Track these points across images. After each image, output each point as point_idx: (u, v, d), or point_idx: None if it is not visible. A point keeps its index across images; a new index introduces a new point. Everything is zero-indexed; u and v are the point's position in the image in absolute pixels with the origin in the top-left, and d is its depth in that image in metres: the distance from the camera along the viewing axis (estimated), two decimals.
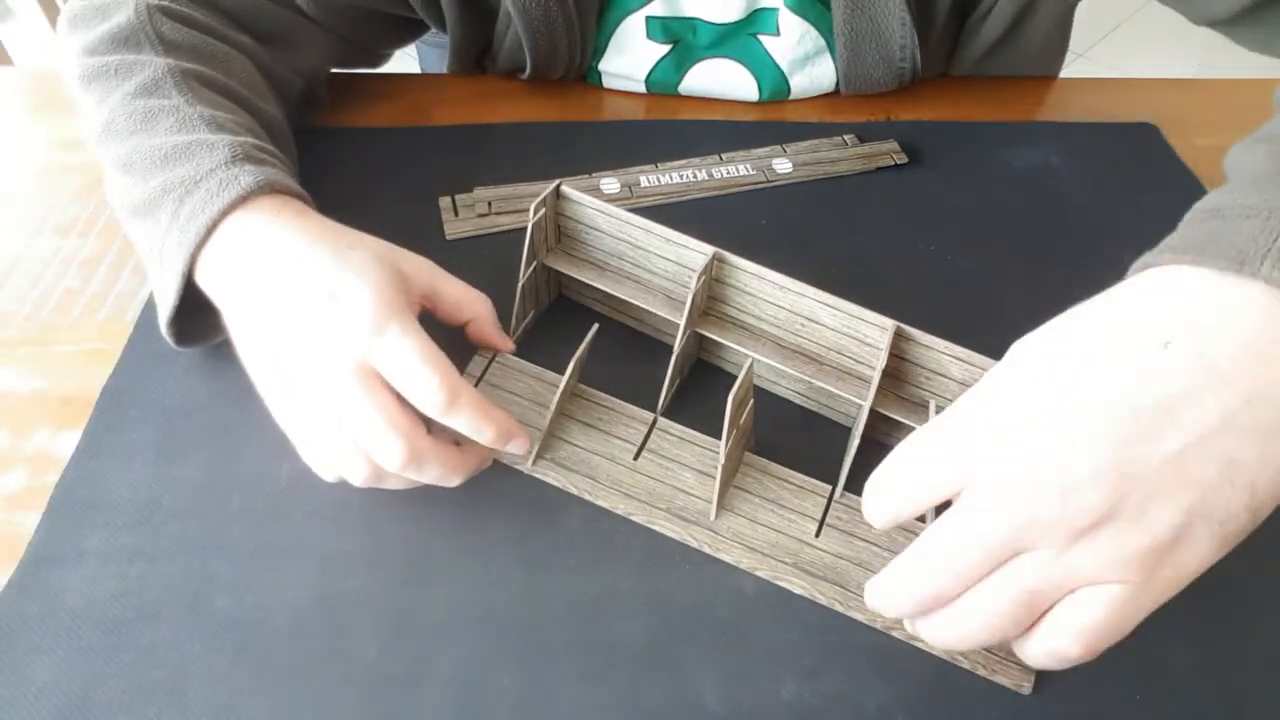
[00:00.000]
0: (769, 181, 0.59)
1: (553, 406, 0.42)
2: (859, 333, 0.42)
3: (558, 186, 0.46)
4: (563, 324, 0.50)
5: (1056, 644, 0.28)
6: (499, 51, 0.65)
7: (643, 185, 0.59)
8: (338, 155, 0.60)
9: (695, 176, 0.59)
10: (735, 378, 0.47)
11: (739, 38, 0.63)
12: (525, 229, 0.45)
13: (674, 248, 0.45)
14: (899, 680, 0.37)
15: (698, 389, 0.47)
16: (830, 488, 0.42)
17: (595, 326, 0.43)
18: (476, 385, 0.45)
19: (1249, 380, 0.27)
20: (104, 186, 0.47)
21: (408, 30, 0.67)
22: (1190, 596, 0.40)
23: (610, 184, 0.59)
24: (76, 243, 0.54)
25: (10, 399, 0.46)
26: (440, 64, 0.71)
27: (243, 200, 0.41)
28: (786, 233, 0.56)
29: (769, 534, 0.41)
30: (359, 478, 0.38)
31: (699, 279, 0.42)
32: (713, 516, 0.41)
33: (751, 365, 0.40)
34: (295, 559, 0.40)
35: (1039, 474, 0.27)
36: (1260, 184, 0.30)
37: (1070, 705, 0.37)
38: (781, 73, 0.64)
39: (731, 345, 0.44)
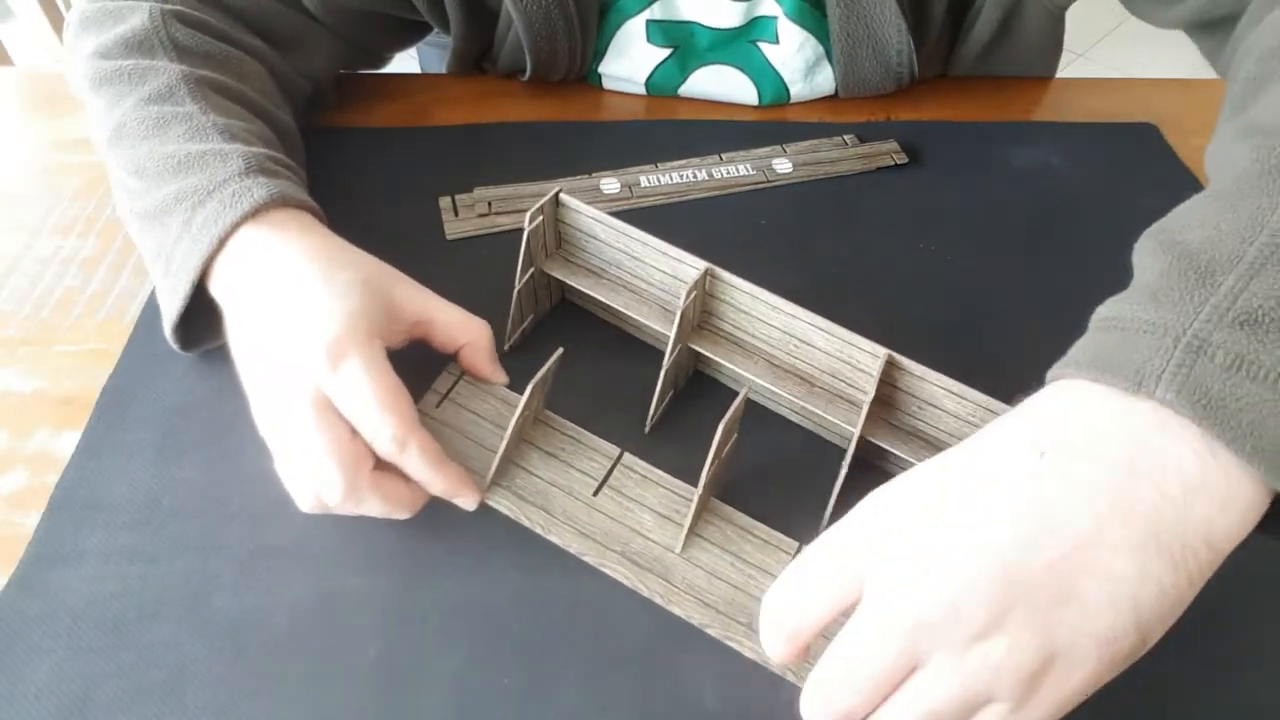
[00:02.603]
0: (769, 181, 0.59)
1: (508, 432, 0.40)
2: (851, 358, 0.42)
3: (556, 194, 0.46)
4: (563, 329, 0.50)
5: None
6: (499, 53, 0.65)
7: (643, 185, 0.59)
8: (338, 155, 0.60)
9: (695, 176, 0.59)
10: (730, 391, 0.46)
11: (739, 44, 0.63)
12: (524, 230, 0.45)
13: (669, 261, 0.45)
14: None
15: (693, 402, 0.47)
16: (796, 544, 0.41)
17: (559, 351, 0.41)
18: (440, 404, 0.44)
19: (1120, 495, 0.27)
20: (112, 189, 0.47)
21: (412, 32, 0.67)
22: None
23: (610, 184, 0.59)
24: (76, 243, 0.54)
25: (10, 399, 0.46)
26: (440, 64, 0.71)
27: (254, 213, 0.41)
28: (786, 233, 0.56)
29: (726, 589, 0.38)
30: (304, 505, 0.38)
31: (688, 295, 0.42)
32: (678, 549, 0.40)
33: (744, 398, 0.38)
34: (295, 559, 0.40)
35: (928, 580, 0.27)
36: (1158, 295, 0.30)
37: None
38: (781, 79, 0.64)
39: (723, 362, 0.44)
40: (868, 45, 0.61)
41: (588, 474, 0.42)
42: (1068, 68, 0.70)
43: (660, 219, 0.57)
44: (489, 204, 0.57)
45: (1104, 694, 0.37)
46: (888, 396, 0.41)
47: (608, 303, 0.47)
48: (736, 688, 0.37)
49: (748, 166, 0.60)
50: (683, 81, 0.65)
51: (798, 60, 0.63)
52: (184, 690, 0.36)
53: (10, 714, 0.35)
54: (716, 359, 0.44)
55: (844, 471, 0.40)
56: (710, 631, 0.38)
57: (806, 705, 0.29)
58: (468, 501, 0.40)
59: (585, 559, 0.39)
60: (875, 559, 0.29)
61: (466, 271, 0.52)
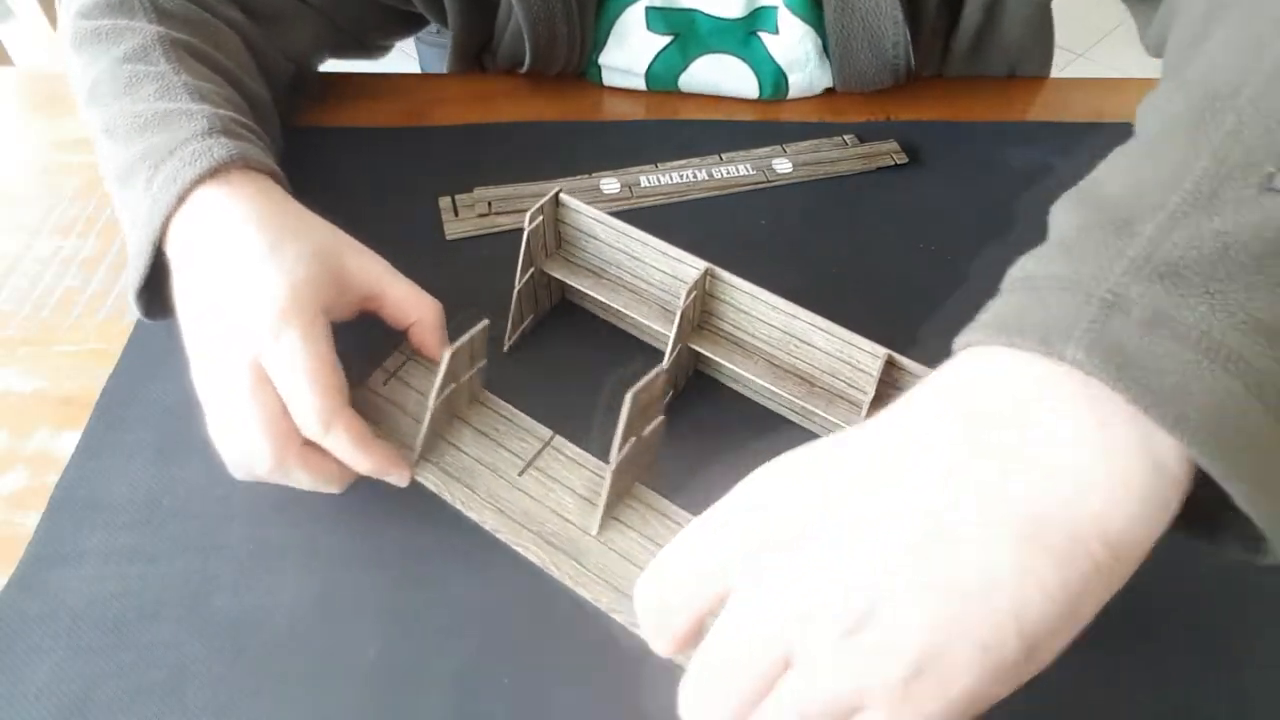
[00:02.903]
0: (769, 181, 0.59)
1: (431, 400, 0.39)
2: (851, 358, 0.42)
3: (556, 194, 0.46)
4: (563, 329, 0.50)
5: None
6: (500, 44, 0.65)
7: (643, 185, 0.59)
8: (338, 155, 0.60)
9: (695, 176, 0.59)
10: (733, 391, 0.46)
11: (739, 34, 0.63)
12: (524, 230, 0.45)
13: (669, 261, 0.45)
14: None
15: (693, 402, 0.47)
16: None
17: (484, 323, 0.40)
18: (387, 381, 0.44)
19: (995, 480, 0.24)
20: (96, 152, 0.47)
21: (402, 23, 0.67)
22: (1191, 596, 0.40)
23: (610, 184, 0.59)
24: (76, 243, 0.54)
25: (10, 399, 0.46)
26: (440, 64, 0.71)
27: (213, 173, 0.41)
28: (786, 233, 0.56)
29: (638, 574, 0.37)
30: (234, 472, 0.39)
31: (688, 295, 0.42)
32: (594, 531, 0.38)
33: (660, 372, 0.36)
34: (295, 559, 0.40)
35: (797, 573, 0.25)
36: (1071, 250, 0.26)
37: (1070, 707, 0.37)
38: (781, 70, 0.64)
39: (723, 362, 0.44)
40: (863, 36, 0.61)
41: (516, 454, 0.41)
42: (1068, 68, 0.70)
43: (660, 219, 0.57)
44: (489, 204, 0.57)
45: (1104, 690, 0.37)
46: (888, 396, 0.41)
47: (608, 303, 0.47)
48: None
49: (748, 166, 0.60)
50: (684, 69, 0.65)
51: (797, 52, 0.63)
52: (184, 690, 0.36)
53: (10, 714, 0.35)
54: (716, 359, 0.44)
55: None
56: (617, 617, 0.37)
57: (683, 710, 0.27)
58: (398, 479, 0.40)
59: (499, 536, 0.39)
60: (748, 548, 0.26)
61: (466, 271, 0.52)
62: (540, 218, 0.46)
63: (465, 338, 0.39)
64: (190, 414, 0.45)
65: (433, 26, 0.68)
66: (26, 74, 0.70)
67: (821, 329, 0.42)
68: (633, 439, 0.37)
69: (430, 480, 0.40)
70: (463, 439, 0.42)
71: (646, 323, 0.46)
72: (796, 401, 0.43)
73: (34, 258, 0.53)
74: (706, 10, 0.62)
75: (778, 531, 0.26)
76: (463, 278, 0.52)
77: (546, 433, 0.42)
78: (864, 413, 0.39)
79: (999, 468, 0.24)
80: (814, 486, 0.26)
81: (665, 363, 0.38)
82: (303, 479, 0.38)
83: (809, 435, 0.46)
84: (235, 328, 0.38)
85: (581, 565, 0.38)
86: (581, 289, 0.47)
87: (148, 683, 0.36)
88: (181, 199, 0.40)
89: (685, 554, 0.27)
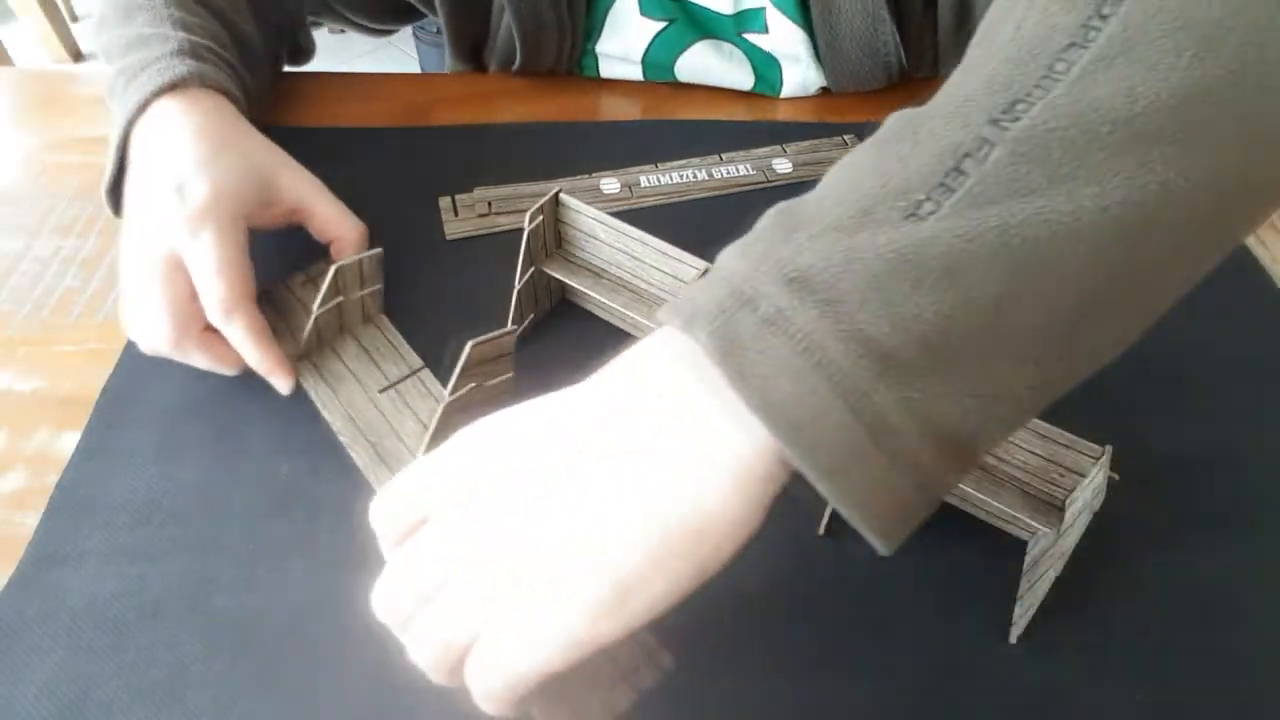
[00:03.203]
0: (769, 181, 0.59)
1: (314, 308, 0.44)
2: None
3: (556, 194, 0.46)
4: (563, 329, 0.50)
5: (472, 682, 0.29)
6: (495, 41, 0.65)
7: (643, 185, 0.59)
8: (338, 155, 0.60)
9: (695, 176, 0.59)
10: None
11: (730, 29, 0.64)
12: (524, 230, 0.45)
13: (669, 261, 0.45)
14: (899, 680, 0.37)
15: None
16: None
17: (377, 250, 0.46)
18: (304, 284, 0.50)
19: (619, 469, 0.27)
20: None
21: (393, 10, 0.69)
22: (1190, 596, 0.40)
23: (610, 184, 0.59)
24: (76, 243, 0.54)
25: (10, 399, 0.46)
26: (440, 64, 0.71)
27: (172, 87, 0.47)
28: None
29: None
30: (141, 345, 0.45)
31: None
32: (420, 452, 0.42)
33: (507, 332, 0.40)
34: (295, 559, 0.40)
35: (468, 520, 0.28)
36: (747, 246, 0.28)
37: (1070, 706, 0.37)
38: (775, 61, 0.64)
39: None
40: (850, 36, 0.61)
41: (385, 375, 0.46)
42: None
43: (660, 219, 0.57)
44: (489, 204, 0.57)
45: (1104, 690, 0.37)
46: None
47: (608, 303, 0.47)
48: (737, 687, 0.37)
49: (748, 166, 0.60)
50: (681, 53, 0.65)
51: (788, 50, 0.63)
52: (184, 690, 0.36)
53: (10, 714, 0.35)
54: None
55: None
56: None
57: (373, 604, 0.30)
58: (281, 385, 0.45)
59: (340, 438, 0.43)
60: (447, 487, 0.29)
61: (466, 271, 0.52)
62: (540, 218, 0.46)
63: (353, 258, 0.44)
64: (190, 414, 0.45)
65: (432, 25, 0.69)
66: (26, 74, 0.70)
67: None
68: (471, 385, 0.40)
69: (305, 377, 0.46)
70: (345, 350, 0.47)
71: (646, 323, 0.46)
72: None
73: (34, 258, 0.53)
74: (698, 1, 0.63)
75: (467, 479, 0.29)
76: (463, 278, 0.52)
77: (418, 363, 0.47)
78: None
79: (622, 447, 0.27)
80: (510, 445, 0.29)
81: (514, 327, 0.42)
82: (200, 360, 0.45)
83: None
84: (164, 220, 0.43)
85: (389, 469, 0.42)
86: (581, 289, 0.47)
87: (148, 683, 0.36)
88: (143, 107, 0.47)
89: (405, 481, 0.31)
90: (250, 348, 0.44)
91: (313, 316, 0.44)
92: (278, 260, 0.51)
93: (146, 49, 0.49)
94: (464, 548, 0.28)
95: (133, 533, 0.41)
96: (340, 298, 0.45)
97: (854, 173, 0.28)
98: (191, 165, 0.45)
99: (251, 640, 0.38)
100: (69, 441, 0.44)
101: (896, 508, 0.25)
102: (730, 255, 0.28)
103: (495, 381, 0.42)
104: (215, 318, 0.43)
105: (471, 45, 0.68)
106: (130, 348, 0.48)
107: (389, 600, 0.30)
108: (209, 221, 0.43)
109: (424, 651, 0.29)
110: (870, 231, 0.26)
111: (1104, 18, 0.27)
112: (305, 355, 0.46)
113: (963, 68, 0.31)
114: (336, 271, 0.43)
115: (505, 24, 0.63)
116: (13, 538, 0.41)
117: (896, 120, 0.30)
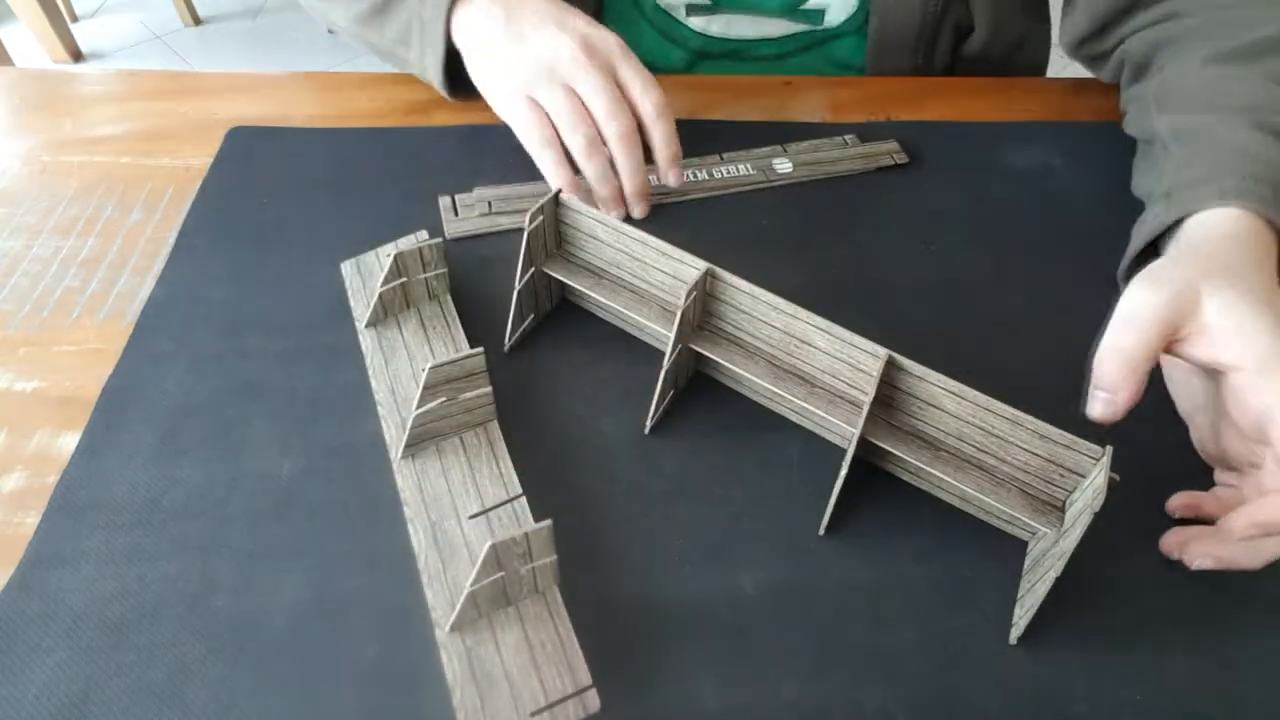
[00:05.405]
0: (769, 181, 0.59)
1: (377, 287, 0.48)
2: (852, 358, 0.42)
3: (556, 194, 0.46)
4: (563, 329, 0.50)
5: None
6: None
7: None
8: (338, 155, 0.60)
9: (695, 176, 0.59)
10: (733, 391, 0.46)
11: None
12: (524, 230, 0.45)
13: (670, 261, 0.45)
14: (899, 680, 0.37)
15: (693, 402, 0.47)
16: (520, 493, 0.42)
17: (440, 239, 0.49)
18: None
19: None
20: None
21: None
22: (1190, 596, 0.40)
23: None
24: (76, 243, 0.54)
25: (10, 399, 0.46)
26: None
27: None
28: (786, 233, 0.56)
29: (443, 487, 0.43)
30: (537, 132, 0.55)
31: (689, 296, 0.42)
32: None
33: (475, 353, 0.42)
34: (295, 559, 0.40)
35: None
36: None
37: (1070, 705, 0.37)
38: None
39: (724, 362, 0.44)
40: None
41: (432, 352, 0.48)
42: (1068, 68, 0.70)
43: (661, 218, 0.57)
44: (489, 204, 0.57)
45: (1104, 690, 0.37)
46: (888, 397, 0.41)
47: (608, 303, 0.47)
48: (737, 687, 0.37)
49: (748, 166, 0.60)
50: None
51: None
52: (184, 690, 0.36)
53: (10, 714, 0.35)
54: (717, 359, 0.44)
55: (844, 472, 0.40)
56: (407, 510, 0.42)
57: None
58: (638, 210, 0.56)
59: (377, 395, 0.46)
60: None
61: (466, 271, 0.52)
62: (540, 218, 0.46)
63: (414, 246, 0.48)
64: (190, 414, 0.45)
65: None
66: (26, 74, 0.70)
67: (822, 329, 0.42)
68: (442, 399, 0.42)
69: (367, 343, 0.49)
70: (407, 324, 0.50)
71: (646, 323, 0.46)
72: (796, 402, 0.43)
73: (34, 258, 0.53)
74: None
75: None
76: (463, 278, 0.52)
77: (464, 343, 0.48)
78: (864, 413, 0.39)
79: None
80: None
81: (479, 349, 0.43)
82: (596, 165, 0.54)
83: (809, 435, 0.46)
84: (557, 26, 0.55)
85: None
86: (581, 289, 0.47)
87: (148, 683, 0.36)
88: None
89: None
90: (670, 142, 0.55)
91: (376, 293, 0.48)
92: (376, 228, 0.54)
93: None
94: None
95: (133, 533, 0.41)
96: (403, 279, 0.48)
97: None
98: (557, 9, 0.55)
99: (251, 640, 0.38)
100: (69, 441, 0.44)
101: None
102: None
103: (470, 395, 0.43)
104: (650, 109, 0.54)
105: None
106: (130, 348, 0.48)
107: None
108: (599, 41, 0.55)
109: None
110: None
111: None
112: (372, 324, 0.49)
113: None
114: (396, 256, 0.47)
115: None
116: (13, 538, 0.41)
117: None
